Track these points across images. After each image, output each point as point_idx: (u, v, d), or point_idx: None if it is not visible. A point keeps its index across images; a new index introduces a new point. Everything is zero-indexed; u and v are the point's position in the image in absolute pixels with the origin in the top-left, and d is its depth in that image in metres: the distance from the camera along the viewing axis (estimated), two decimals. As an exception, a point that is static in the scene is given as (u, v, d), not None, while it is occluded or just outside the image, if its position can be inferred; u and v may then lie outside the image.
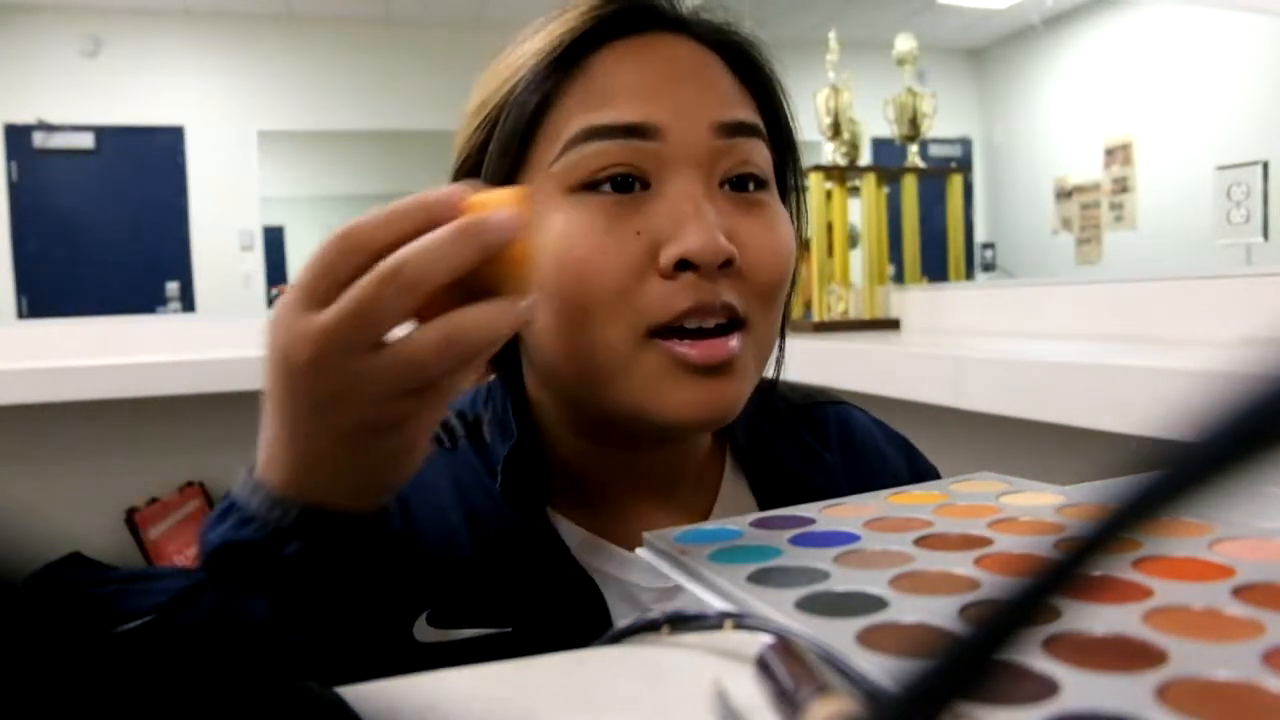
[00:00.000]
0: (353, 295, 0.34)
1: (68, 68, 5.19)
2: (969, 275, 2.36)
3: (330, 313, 0.33)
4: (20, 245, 5.16)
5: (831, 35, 1.98)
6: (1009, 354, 1.11)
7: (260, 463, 0.39)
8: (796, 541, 0.38)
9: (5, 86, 5.10)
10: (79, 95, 5.20)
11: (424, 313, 0.34)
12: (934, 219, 2.05)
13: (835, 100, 1.93)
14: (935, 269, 2.09)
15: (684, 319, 0.45)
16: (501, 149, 0.49)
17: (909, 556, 0.35)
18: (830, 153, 1.96)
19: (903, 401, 1.15)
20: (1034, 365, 1.01)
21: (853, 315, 1.93)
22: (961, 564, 0.33)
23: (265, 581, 0.37)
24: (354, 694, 0.27)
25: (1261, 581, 0.29)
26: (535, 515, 0.51)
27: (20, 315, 5.00)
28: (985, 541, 0.36)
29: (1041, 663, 0.24)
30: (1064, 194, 6.18)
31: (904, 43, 2.02)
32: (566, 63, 0.48)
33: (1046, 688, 0.23)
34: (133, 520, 1.76)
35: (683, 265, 0.45)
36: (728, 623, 0.29)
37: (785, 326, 0.55)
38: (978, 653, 0.13)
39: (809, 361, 1.35)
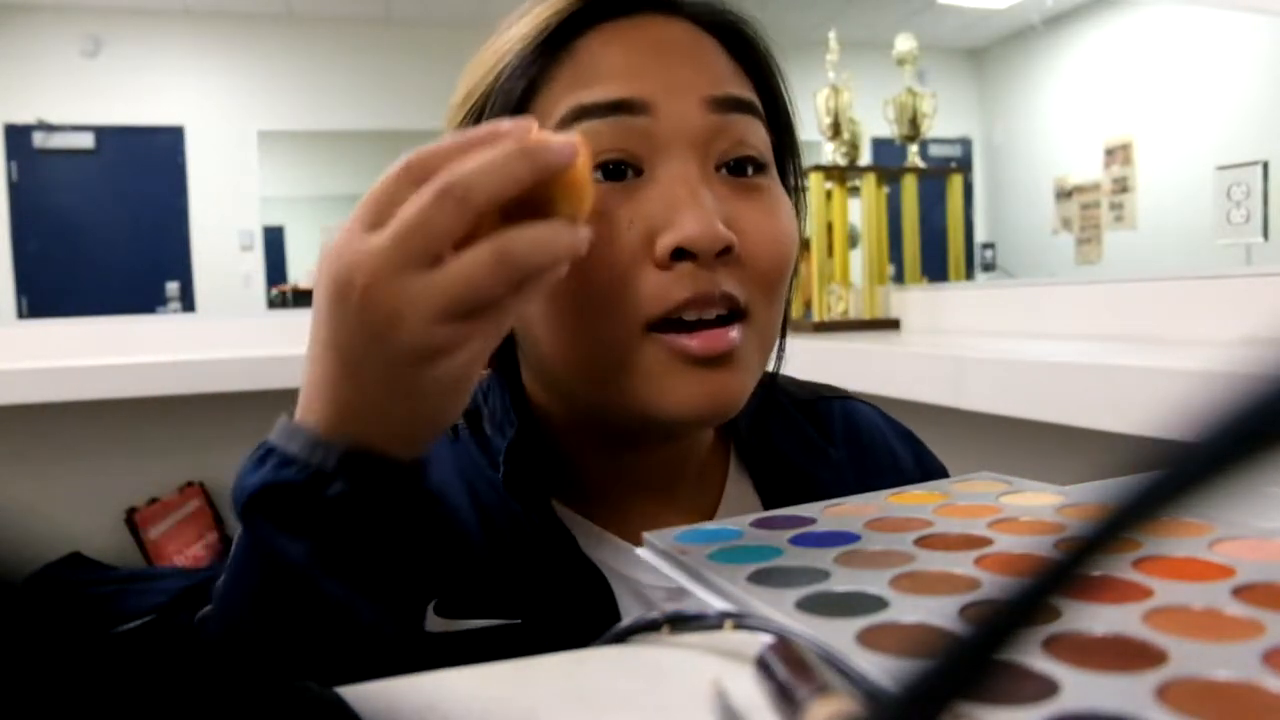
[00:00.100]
0: (407, 211, 0.34)
1: (68, 68, 5.19)
2: (969, 275, 2.36)
3: (385, 232, 0.34)
4: (20, 245, 5.16)
5: (831, 35, 1.98)
6: (1009, 354, 1.11)
7: (300, 408, 0.38)
8: (797, 541, 0.38)
9: (5, 86, 5.10)
10: (79, 95, 5.20)
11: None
12: (934, 219, 2.05)
13: (835, 100, 1.94)
14: (935, 269, 2.09)
15: (682, 310, 0.44)
16: None
17: (909, 556, 0.35)
18: (830, 153, 1.96)
19: (903, 401, 1.15)
20: (1034, 365, 1.01)
21: (853, 315, 1.93)
22: (961, 564, 0.33)
23: (305, 526, 0.36)
24: (354, 694, 0.27)
25: (1261, 581, 0.29)
26: (540, 507, 0.49)
27: (20, 315, 5.00)
28: (985, 541, 0.36)
29: (1041, 663, 0.24)
30: (1064, 194, 6.19)
31: (904, 43, 2.02)
32: (553, 46, 0.46)
33: (1046, 688, 0.23)
34: (133, 520, 1.76)
35: (679, 254, 0.43)
36: (728, 623, 0.29)
37: (787, 318, 0.53)
38: (978, 653, 0.13)
39: (809, 361, 1.35)
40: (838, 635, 0.27)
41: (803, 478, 0.55)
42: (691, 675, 0.28)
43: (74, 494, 1.75)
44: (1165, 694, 0.23)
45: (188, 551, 1.77)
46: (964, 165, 5.80)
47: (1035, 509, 0.40)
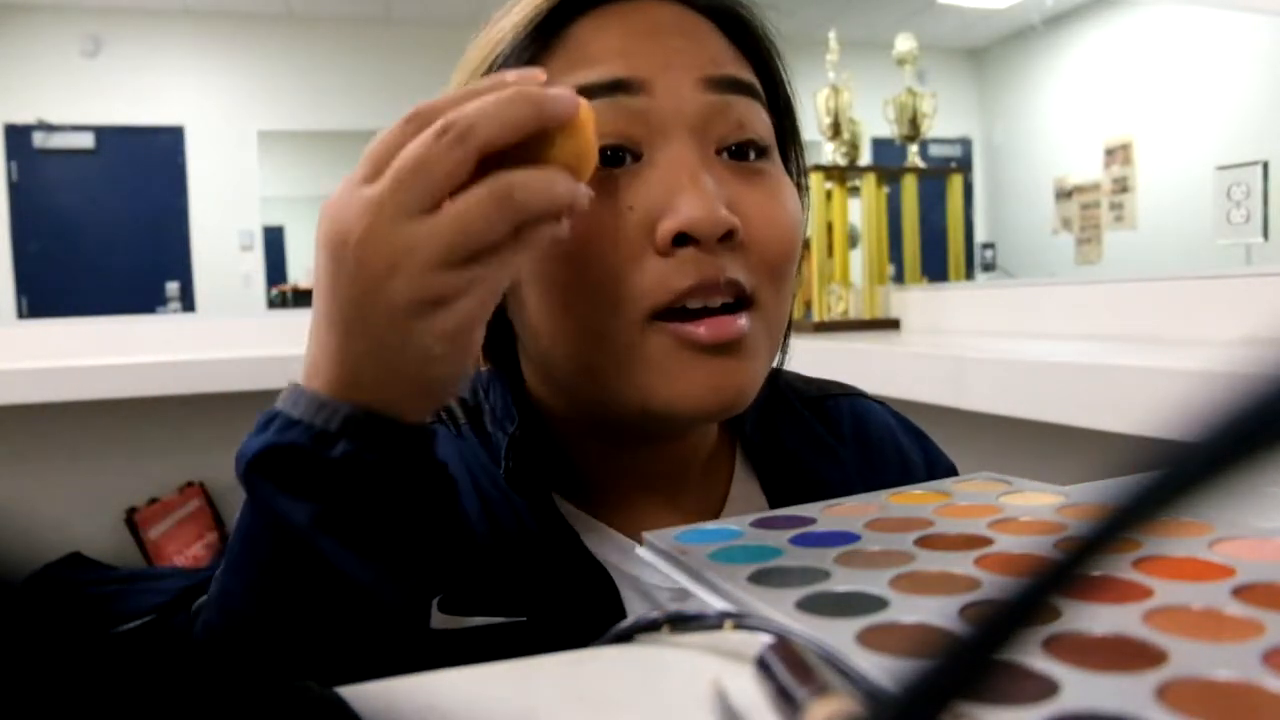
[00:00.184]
0: (404, 155, 0.33)
1: (68, 68, 5.20)
2: (969, 275, 2.36)
3: (383, 179, 0.33)
4: (20, 245, 5.16)
5: (831, 35, 1.98)
6: (1009, 354, 1.11)
7: (305, 373, 0.37)
8: (797, 541, 0.38)
9: (5, 86, 5.10)
10: (79, 95, 5.21)
11: None
12: (934, 219, 2.05)
13: (835, 100, 1.94)
14: (935, 269, 2.09)
15: (686, 298, 0.42)
16: None
17: (909, 556, 0.35)
18: (830, 153, 1.96)
19: (903, 401, 1.15)
20: (1034, 365, 1.01)
21: (853, 315, 1.93)
22: (961, 564, 0.33)
23: (308, 488, 0.35)
24: (354, 694, 0.27)
25: (1261, 581, 0.29)
26: (543, 503, 0.48)
27: (20, 315, 5.00)
28: (985, 541, 0.36)
29: (1041, 663, 0.24)
30: (1064, 194, 6.19)
31: (904, 43, 2.02)
32: (546, 32, 0.45)
33: (1046, 688, 0.23)
34: (133, 520, 1.76)
35: (681, 240, 0.42)
36: (728, 623, 0.29)
37: (791, 312, 0.51)
38: (978, 653, 0.13)
39: (809, 361, 1.34)
40: (838, 635, 0.27)
41: (811, 477, 0.53)
42: (691, 675, 0.28)
43: (74, 494, 1.75)
44: (1165, 694, 0.23)
45: (188, 551, 1.77)
46: (964, 165, 5.80)
47: (1035, 509, 0.40)
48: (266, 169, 5.54)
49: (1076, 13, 5.88)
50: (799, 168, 0.52)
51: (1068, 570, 0.12)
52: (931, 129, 2.03)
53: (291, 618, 0.36)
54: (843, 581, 0.32)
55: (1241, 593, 0.29)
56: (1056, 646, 0.25)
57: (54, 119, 5.17)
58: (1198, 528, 0.35)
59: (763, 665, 0.26)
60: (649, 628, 0.31)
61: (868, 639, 0.27)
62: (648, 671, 0.29)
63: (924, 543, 0.36)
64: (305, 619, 0.36)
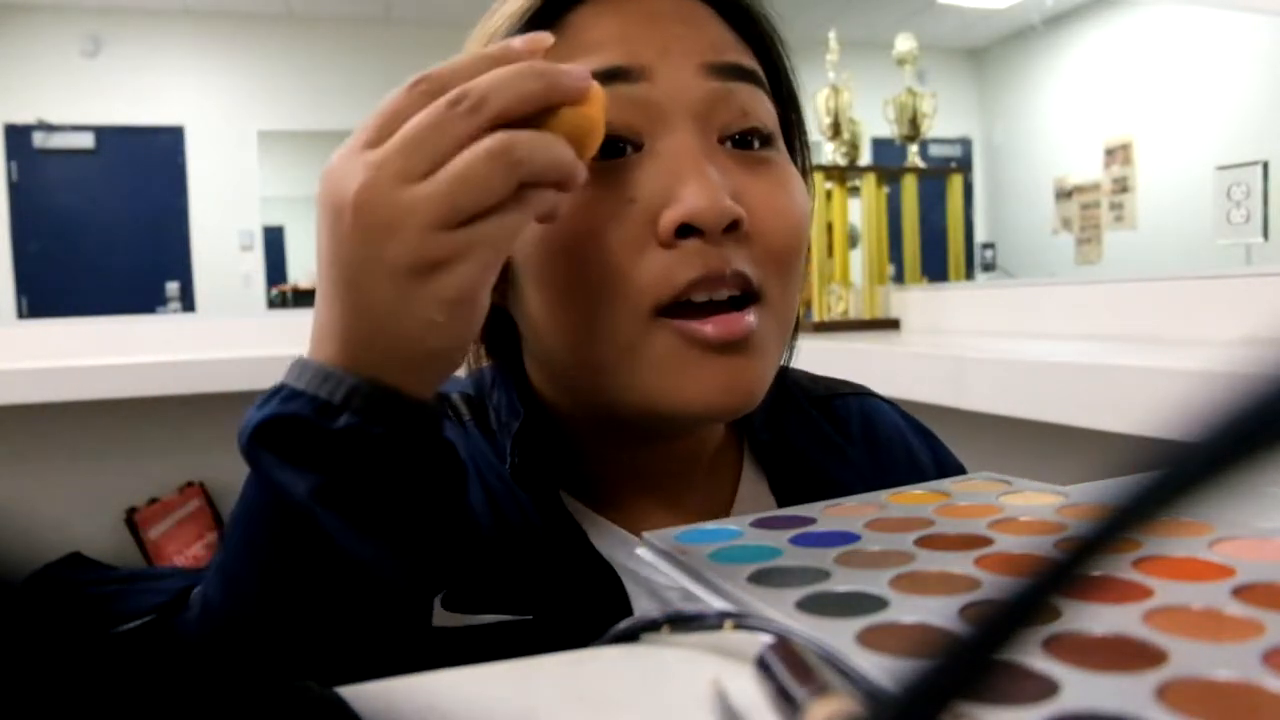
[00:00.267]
0: (414, 122, 0.33)
1: (68, 68, 5.20)
2: (969, 275, 2.36)
3: (389, 143, 0.33)
4: (20, 245, 5.16)
5: (831, 35, 1.98)
6: (1009, 354, 1.11)
7: (310, 346, 0.37)
8: (796, 541, 0.38)
9: (5, 86, 5.11)
10: (79, 95, 5.21)
11: None
12: (934, 219, 2.05)
13: (835, 100, 1.94)
14: (935, 269, 2.09)
15: (691, 292, 0.41)
16: None
17: (909, 556, 0.35)
18: (830, 153, 1.96)
19: (903, 401, 1.15)
20: (1034, 365, 1.01)
21: (853, 315, 1.93)
22: (961, 564, 0.33)
23: (311, 460, 0.34)
24: (354, 694, 0.27)
25: (1261, 581, 0.29)
26: (548, 500, 0.47)
27: (20, 315, 5.00)
28: (985, 541, 0.36)
29: (1041, 663, 0.24)
30: (1064, 194, 6.19)
31: (904, 43, 2.02)
32: (544, 21, 0.44)
33: (1046, 688, 0.23)
34: (133, 520, 1.76)
35: (685, 231, 0.41)
36: (728, 623, 0.29)
37: (799, 304, 0.50)
38: (978, 653, 0.13)
39: (809, 362, 1.34)
40: (838, 635, 0.27)
41: (820, 477, 0.53)
42: (691, 675, 0.28)
43: (74, 494, 1.75)
44: (1165, 694, 0.23)
45: (188, 551, 1.77)
46: (964, 165, 5.81)
47: (1035, 509, 0.40)
48: (266, 169, 5.54)
49: (1076, 13, 5.88)
50: (804, 157, 0.51)
51: (1068, 570, 0.12)
52: (931, 129, 2.03)
53: (292, 595, 0.35)
54: (843, 581, 0.32)
55: (1241, 593, 0.29)
56: (1056, 646, 0.25)
57: (54, 119, 5.18)
58: (1198, 528, 0.35)
59: (763, 665, 0.26)
60: (649, 628, 0.31)
61: (868, 639, 0.27)
62: (648, 671, 0.29)
63: (924, 543, 0.36)
64: (306, 597, 0.35)
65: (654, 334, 0.42)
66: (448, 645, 0.43)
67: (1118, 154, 5.76)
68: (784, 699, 0.24)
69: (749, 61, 0.46)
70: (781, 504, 0.52)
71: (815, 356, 1.49)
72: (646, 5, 0.45)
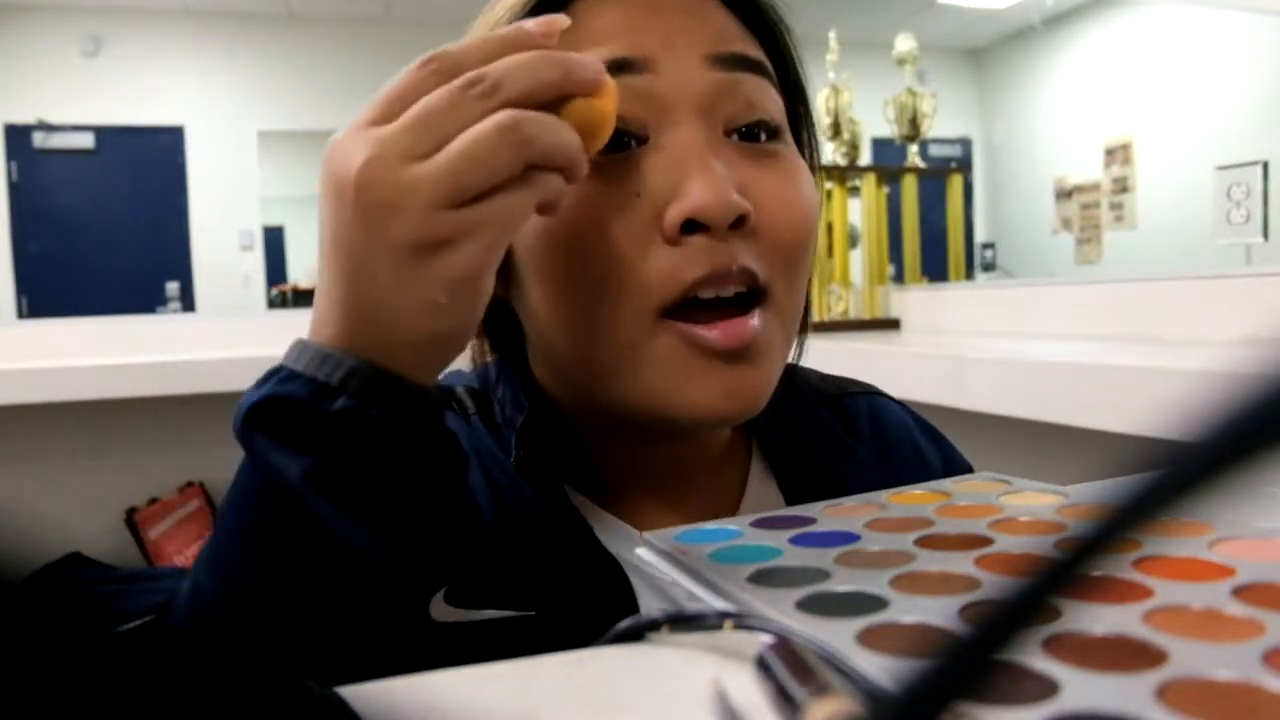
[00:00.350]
0: (426, 102, 0.32)
1: (68, 68, 5.20)
2: (969, 275, 2.37)
3: (398, 121, 0.32)
4: (20, 245, 5.17)
5: (831, 35, 1.98)
6: (1009, 354, 1.11)
7: (311, 327, 0.36)
8: (796, 541, 0.38)
9: (5, 86, 5.11)
10: (79, 95, 5.21)
11: None
12: (934, 219, 2.05)
13: (835, 100, 1.94)
14: (935, 269, 2.09)
15: (697, 290, 0.40)
16: None
17: (909, 556, 0.35)
18: (830, 153, 1.96)
19: (903, 401, 1.15)
20: (1034, 365, 1.01)
21: (853, 315, 1.93)
22: (961, 564, 0.33)
23: (306, 442, 0.33)
24: (354, 694, 0.27)
25: (1261, 581, 0.29)
26: (554, 494, 0.47)
27: (20, 315, 5.01)
28: (985, 541, 0.36)
29: (1041, 663, 0.24)
30: (1064, 194, 6.19)
31: (904, 43, 2.02)
32: (545, 12, 0.42)
33: (1046, 688, 0.23)
34: (133, 520, 1.76)
35: (690, 226, 0.40)
36: (728, 623, 0.29)
37: (808, 304, 0.50)
38: (978, 653, 0.13)
39: (809, 362, 1.35)
40: (838, 635, 0.27)
41: (829, 476, 0.52)
42: (691, 675, 0.28)
43: (74, 494, 1.75)
44: (1165, 694, 0.23)
45: (188, 551, 1.77)
46: (964, 165, 5.82)
47: (1035, 509, 0.40)
48: (266, 169, 5.54)
49: (1076, 13, 5.88)
50: (812, 150, 0.51)
51: (1068, 570, 0.12)
52: (931, 129, 2.04)
53: (285, 582, 0.34)
54: (843, 581, 0.32)
55: (1241, 593, 0.29)
56: (1056, 646, 0.25)
57: (54, 119, 5.18)
58: (1198, 528, 0.35)
59: (763, 665, 0.26)
60: (649, 628, 0.31)
61: (868, 639, 0.27)
62: (648, 671, 0.29)
63: (924, 543, 0.36)
64: (299, 584, 0.34)
65: (657, 335, 0.41)
66: (451, 641, 0.42)
67: (1118, 154, 5.77)
68: (784, 699, 0.24)
69: (755, 52, 0.45)
70: (790, 502, 0.52)
71: (815, 356, 1.49)
72: None
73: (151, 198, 5.36)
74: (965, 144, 6.68)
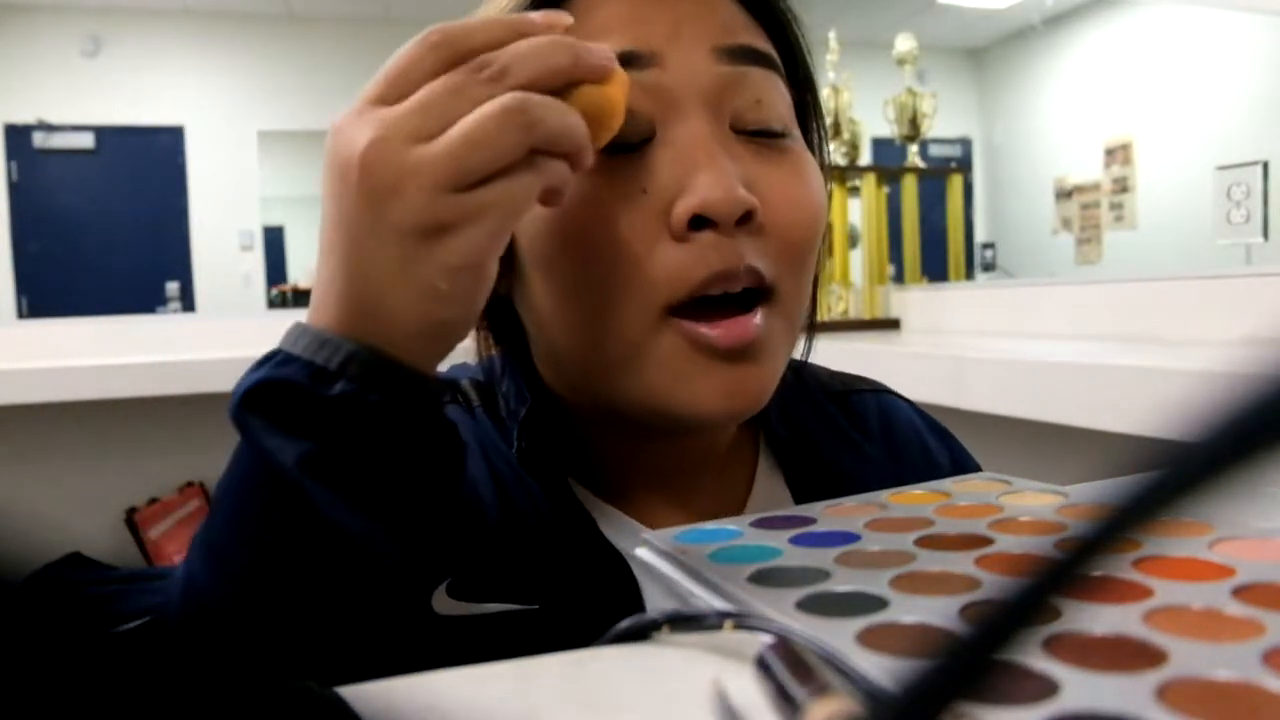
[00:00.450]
0: (435, 86, 0.32)
1: (68, 68, 5.20)
2: (969, 275, 2.37)
3: (406, 103, 0.32)
4: (20, 245, 5.17)
5: (831, 35, 1.99)
6: (1009, 354, 1.11)
7: (310, 311, 0.35)
8: (796, 541, 0.38)
9: (5, 86, 5.11)
10: (79, 95, 5.21)
11: None
12: (934, 219, 2.05)
13: (835, 100, 1.94)
14: (935, 269, 2.09)
15: (705, 289, 0.40)
16: None
17: (909, 556, 0.35)
18: (830, 153, 1.96)
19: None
20: (1034, 365, 1.01)
21: (853, 315, 1.93)
22: (961, 564, 0.33)
23: (302, 427, 0.33)
24: (354, 694, 0.27)
25: (1261, 581, 0.29)
26: (558, 487, 0.47)
27: (20, 315, 5.01)
28: (985, 541, 0.36)
29: (1041, 663, 0.24)
30: (1064, 194, 6.19)
31: (904, 43, 2.02)
32: (548, 4, 0.43)
33: (1046, 688, 0.23)
34: (133, 520, 1.76)
35: (698, 222, 0.39)
36: (728, 623, 0.29)
37: (816, 300, 0.49)
38: (978, 653, 0.13)
39: (812, 360, 1.35)
40: (838, 635, 0.27)
41: (838, 473, 0.52)
42: (691, 675, 0.28)
43: (74, 494, 1.75)
44: (1165, 694, 0.23)
45: (188, 551, 1.77)
46: (964, 165, 5.82)
47: (1035, 509, 0.40)
48: (266, 169, 5.54)
49: (1076, 13, 5.88)
50: (821, 145, 0.50)
51: (1068, 570, 0.12)
52: (931, 129, 2.04)
53: (280, 571, 0.34)
54: (843, 581, 0.32)
55: (1241, 593, 0.29)
56: (1056, 646, 0.25)
57: (54, 119, 5.18)
58: (1198, 528, 0.35)
59: (763, 665, 0.26)
60: (649, 627, 0.31)
61: (868, 639, 0.27)
62: (648, 671, 0.29)
63: (924, 543, 0.36)
64: (294, 573, 0.34)
65: (661, 333, 0.41)
66: (454, 634, 0.42)
67: (1118, 154, 5.76)
68: (784, 699, 0.24)
69: (763, 44, 0.44)
70: (798, 499, 0.51)
71: (815, 357, 1.49)
72: None
73: (151, 198, 5.36)
74: (965, 144, 6.68)
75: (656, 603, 0.38)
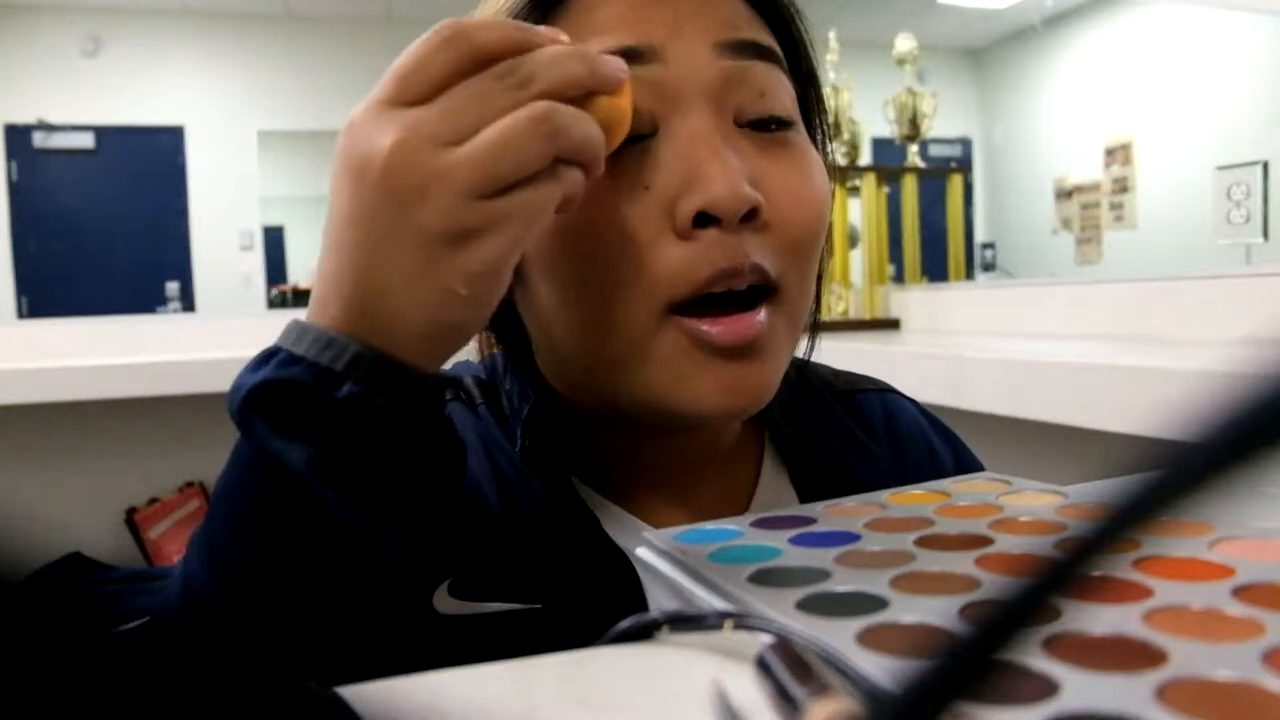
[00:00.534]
0: (457, 90, 0.32)
1: (68, 68, 5.20)
2: (969, 275, 2.37)
3: (430, 106, 0.32)
4: (20, 245, 5.17)
5: (831, 35, 1.99)
6: (1009, 354, 1.11)
7: (312, 308, 0.35)
8: (796, 541, 0.38)
9: (5, 86, 5.11)
10: (79, 95, 5.21)
11: None
12: (934, 219, 2.05)
13: (835, 100, 1.94)
14: (935, 269, 2.09)
15: (710, 287, 0.40)
16: None
17: (909, 556, 0.35)
18: (833, 150, 1.96)
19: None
20: (1034, 365, 1.01)
21: (853, 315, 1.93)
22: (961, 564, 0.33)
23: (308, 429, 0.32)
24: (354, 694, 0.27)
25: (1261, 581, 0.29)
26: (561, 485, 0.46)
27: (20, 315, 5.01)
28: (985, 541, 0.36)
29: (1041, 663, 0.24)
30: (1064, 194, 6.19)
31: (904, 43, 2.02)
32: (547, 2, 0.43)
33: (1046, 688, 0.23)
34: (133, 520, 1.76)
35: (702, 220, 0.39)
36: (728, 623, 0.29)
37: (820, 297, 0.49)
38: (978, 653, 0.13)
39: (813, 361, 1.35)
40: (838, 635, 0.27)
41: (843, 472, 0.52)
42: (691, 675, 0.28)
43: (74, 494, 1.75)
44: (1165, 694, 0.23)
45: (188, 551, 1.77)
46: (964, 165, 5.80)
47: (1035, 509, 0.40)
48: (266, 169, 5.54)
49: (1076, 13, 5.88)
50: (825, 140, 0.50)
51: (1068, 570, 0.12)
52: (931, 129, 2.04)
53: (282, 572, 0.33)
54: (843, 581, 0.32)
55: (1241, 593, 0.29)
56: (1056, 646, 0.25)
57: (54, 119, 5.18)
58: (1198, 528, 0.35)
59: (763, 665, 0.26)
60: (649, 627, 0.31)
61: (868, 639, 0.27)
62: (648, 671, 0.29)
63: (924, 543, 0.36)
64: (297, 574, 0.33)
65: (664, 331, 0.41)
66: (455, 634, 0.42)
67: (1118, 154, 5.76)
68: (784, 699, 0.24)
69: (765, 38, 0.44)
70: (803, 498, 0.51)
71: (815, 357, 1.49)
72: None
73: (151, 198, 5.36)
74: (965, 144, 6.68)
75: (660, 602, 0.38)
